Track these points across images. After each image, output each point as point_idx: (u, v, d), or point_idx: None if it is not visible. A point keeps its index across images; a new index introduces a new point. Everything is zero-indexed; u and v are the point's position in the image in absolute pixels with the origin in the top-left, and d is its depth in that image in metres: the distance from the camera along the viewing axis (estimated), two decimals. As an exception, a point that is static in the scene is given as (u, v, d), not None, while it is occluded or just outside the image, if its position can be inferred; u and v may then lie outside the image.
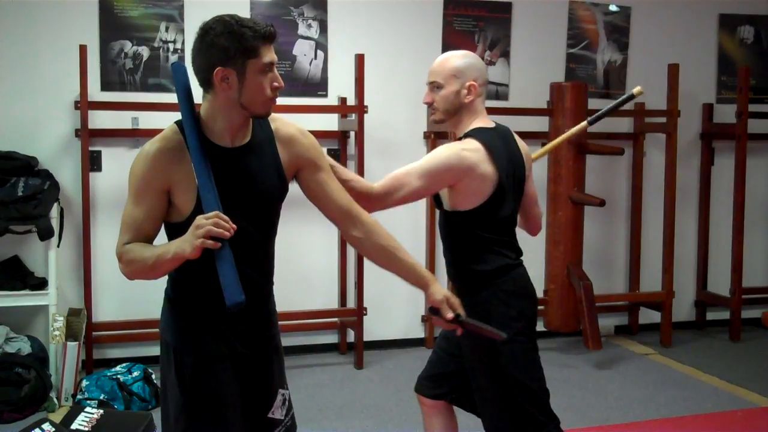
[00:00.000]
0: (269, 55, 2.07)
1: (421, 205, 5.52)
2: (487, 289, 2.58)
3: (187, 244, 2.00)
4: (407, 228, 5.52)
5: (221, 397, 2.15)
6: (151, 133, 5.21)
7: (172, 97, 5.05)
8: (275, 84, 2.09)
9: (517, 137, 2.74)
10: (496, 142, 2.58)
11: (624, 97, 3.31)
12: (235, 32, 2.03)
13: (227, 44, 2.03)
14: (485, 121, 2.64)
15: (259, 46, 2.04)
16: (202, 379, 2.15)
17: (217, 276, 2.01)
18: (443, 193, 2.62)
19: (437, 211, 2.78)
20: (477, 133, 2.57)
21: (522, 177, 2.67)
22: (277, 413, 2.32)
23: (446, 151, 2.55)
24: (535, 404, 2.61)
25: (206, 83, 2.09)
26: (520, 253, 2.69)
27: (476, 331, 2.31)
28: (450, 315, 2.25)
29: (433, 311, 2.30)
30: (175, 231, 2.11)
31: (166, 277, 2.22)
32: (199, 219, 1.99)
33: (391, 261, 2.26)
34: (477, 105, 2.63)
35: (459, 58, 2.66)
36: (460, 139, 2.62)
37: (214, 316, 2.16)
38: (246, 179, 2.13)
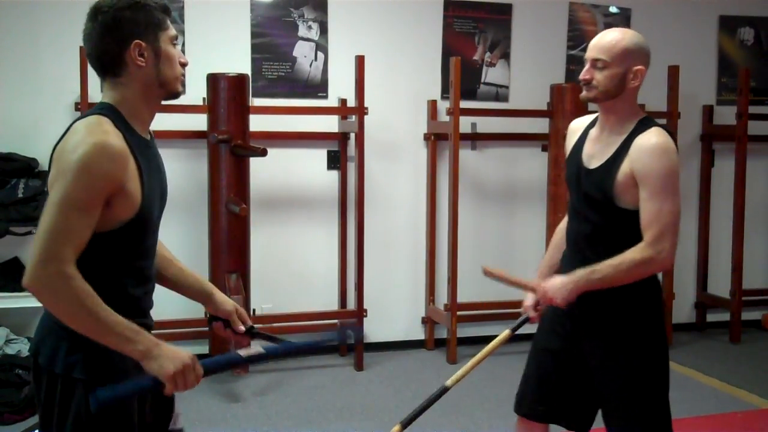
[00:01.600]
0: (173, 28, 1.94)
1: (421, 205, 5.52)
2: (647, 287, 2.49)
3: (170, 365, 1.77)
4: (407, 228, 5.53)
5: (132, 426, 1.92)
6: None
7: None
8: (182, 60, 1.95)
9: None
10: None
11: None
12: (140, 4, 1.86)
13: (136, 17, 1.85)
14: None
15: (164, 18, 1.92)
16: (122, 413, 1.88)
17: (127, 288, 1.87)
18: (623, 190, 2.40)
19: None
20: (662, 126, 2.47)
21: None
22: (178, 424, 2.12)
23: (669, 158, 2.37)
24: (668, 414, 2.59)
25: (117, 65, 1.86)
26: None
27: (267, 339, 2.18)
28: (241, 328, 2.14)
29: (214, 320, 2.16)
30: (104, 241, 1.82)
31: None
32: (195, 362, 1.81)
33: (174, 268, 2.13)
34: (636, 92, 2.49)
35: (631, 38, 2.45)
36: (640, 126, 2.45)
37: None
38: (162, 176, 2.02)
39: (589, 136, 2.57)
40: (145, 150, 1.91)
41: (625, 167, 2.41)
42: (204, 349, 4.82)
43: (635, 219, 2.40)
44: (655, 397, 2.54)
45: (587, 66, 2.47)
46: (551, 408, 2.63)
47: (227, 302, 2.16)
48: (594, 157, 2.50)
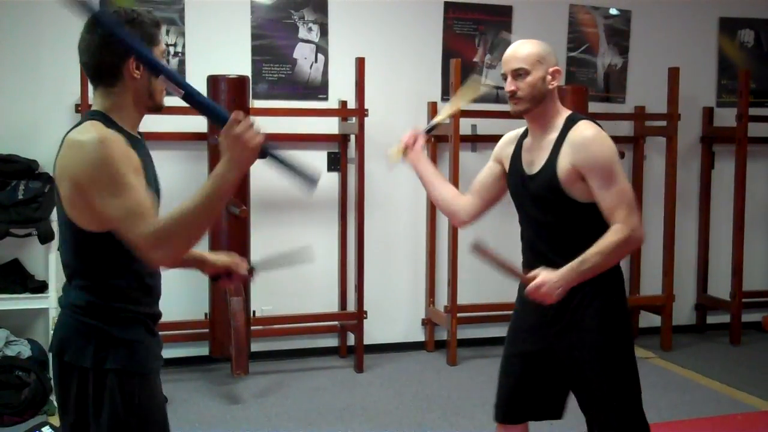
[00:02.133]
0: (163, 41, 2.06)
1: (421, 207, 5.52)
2: (613, 277, 2.57)
3: (243, 153, 1.81)
4: (407, 229, 5.53)
5: (164, 416, 2.07)
6: (151, 136, 5.25)
7: (172, 101, 5.06)
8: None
9: None
10: None
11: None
12: (137, 21, 1.96)
13: (134, 33, 1.94)
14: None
15: (157, 33, 2.01)
16: (152, 399, 2.02)
17: (144, 279, 1.98)
18: (569, 185, 2.49)
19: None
20: (588, 119, 2.58)
21: None
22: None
23: (606, 150, 2.49)
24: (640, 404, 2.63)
25: (113, 76, 1.95)
26: None
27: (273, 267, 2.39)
28: (244, 269, 2.33)
29: (216, 278, 2.33)
30: (95, 243, 1.92)
31: (70, 297, 1.98)
32: (235, 122, 1.82)
33: None
34: (556, 92, 2.59)
35: (536, 44, 2.57)
36: (569, 123, 2.55)
37: (150, 327, 2.05)
38: (155, 172, 2.10)
39: (523, 147, 2.66)
40: (140, 146, 2.00)
41: (564, 163, 2.49)
42: (204, 350, 4.83)
43: (587, 211, 2.49)
44: (628, 380, 2.60)
45: (509, 79, 2.56)
46: (524, 409, 2.71)
47: (221, 257, 2.32)
48: (533, 163, 2.60)
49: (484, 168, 2.81)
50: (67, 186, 1.90)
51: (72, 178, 1.88)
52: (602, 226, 2.47)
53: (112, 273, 1.94)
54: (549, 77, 2.55)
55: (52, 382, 4.31)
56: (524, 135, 2.70)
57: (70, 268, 2.00)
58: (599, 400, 2.58)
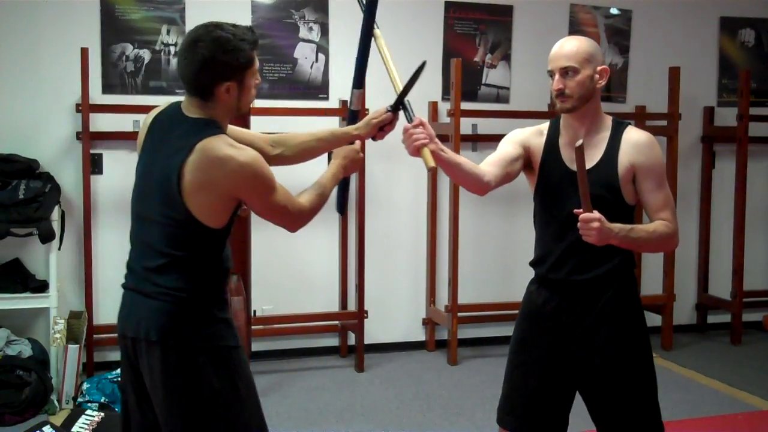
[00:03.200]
0: (257, 60, 2.25)
1: (422, 206, 5.52)
2: (633, 284, 2.60)
3: (355, 168, 2.66)
4: (408, 229, 5.53)
5: (253, 380, 2.31)
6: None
7: (172, 100, 5.07)
8: (257, 81, 2.28)
9: None
10: None
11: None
12: (236, 48, 2.16)
13: (230, 60, 2.15)
14: None
15: (254, 56, 2.22)
16: (247, 369, 2.27)
17: (226, 263, 2.27)
18: (624, 184, 2.51)
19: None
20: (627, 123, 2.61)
21: None
22: None
23: (660, 150, 2.57)
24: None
25: (207, 94, 2.18)
26: None
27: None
28: (387, 115, 2.69)
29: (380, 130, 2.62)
30: (217, 237, 2.20)
31: (167, 285, 2.17)
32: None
33: (314, 144, 2.72)
34: (600, 92, 2.61)
35: (587, 42, 2.59)
36: (617, 125, 2.59)
37: (227, 308, 2.30)
38: None
39: (561, 144, 2.60)
40: None
41: (624, 162, 2.49)
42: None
43: (628, 214, 2.52)
44: (648, 393, 2.56)
45: (556, 77, 2.53)
46: (539, 420, 2.61)
47: (366, 125, 2.76)
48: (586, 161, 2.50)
49: (503, 147, 2.70)
50: (209, 194, 2.12)
51: (223, 189, 2.13)
52: None
53: (209, 259, 2.21)
54: (597, 76, 2.55)
55: (52, 381, 4.31)
56: (554, 131, 2.64)
57: (170, 257, 2.16)
58: (618, 410, 2.52)
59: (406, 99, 2.66)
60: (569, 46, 2.53)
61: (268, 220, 2.28)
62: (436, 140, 2.55)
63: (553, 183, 2.62)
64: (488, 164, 2.65)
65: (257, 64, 2.24)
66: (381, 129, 2.67)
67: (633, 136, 2.54)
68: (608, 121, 2.61)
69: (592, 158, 2.51)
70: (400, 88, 2.66)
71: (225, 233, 2.22)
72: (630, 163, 2.49)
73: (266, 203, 2.21)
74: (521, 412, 2.62)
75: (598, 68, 2.55)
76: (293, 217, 2.29)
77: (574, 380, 2.58)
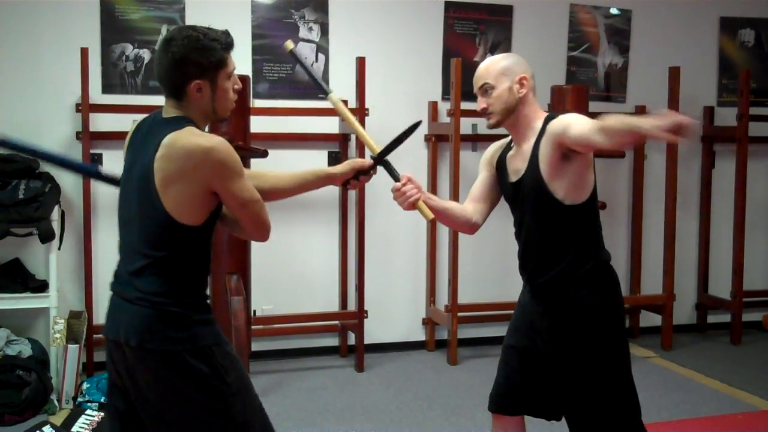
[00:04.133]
0: (232, 62, 2.28)
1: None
2: (603, 283, 2.58)
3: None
4: (408, 229, 5.53)
5: (242, 365, 2.32)
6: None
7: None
8: (236, 86, 2.30)
9: None
10: None
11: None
12: (206, 47, 2.19)
13: (200, 59, 2.18)
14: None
15: (226, 57, 2.25)
16: (231, 357, 2.25)
17: (207, 265, 2.27)
18: (556, 183, 2.50)
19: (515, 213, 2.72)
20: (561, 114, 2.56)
21: None
22: None
23: (573, 114, 2.49)
24: (636, 411, 2.62)
25: (180, 92, 2.21)
26: None
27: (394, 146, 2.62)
28: (368, 163, 2.60)
29: (347, 183, 2.58)
30: (195, 236, 2.19)
31: (146, 289, 2.16)
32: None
33: (296, 181, 2.53)
34: (531, 98, 2.60)
35: (502, 58, 2.65)
36: (547, 121, 2.54)
37: (209, 306, 2.30)
38: None
39: (508, 156, 2.68)
40: None
41: (544, 155, 2.50)
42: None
43: (571, 214, 2.51)
44: (614, 397, 2.57)
45: (479, 98, 2.61)
46: (517, 400, 2.71)
47: (343, 167, 2.59)
48: (518, 170, 2.61)
49: (478, 179, 2.82)
50: (180, 186, 2.11)
51: (193, 179, 2.11)
52: (588, 231, 2.54)
53: (193, 261, 2.21)
54: (517, 86, 2.58)
55: (52, 381, 4.31)
56: (510, 144, 2.73)
57: (149, 259, 2.16)
58: (582, 410, 2.57)
59: (387, 157, 2.69)
60: (483, 66, 2.64)
61: (243, 222, 2.26)
62: (423, 190, 2.68)
63: (505, 194, 2.73)
64: (472, 200, 2.78)
65: (232, 66, 2.27)
66: (356, 178, 2.60)
67: (552, 123, 2.49)
68: (541, 121, 2.57)
69: (523, 167, 2.58)
70: (376, 149, 2.70)
71: (203, 232, 2.20)
72: (550, 147, 2.48)
73: (240, 191, 2.17)
74: (498, 393, 2.75)
75: (517, 78, 2.58)
76: (262, 220, 2.27)
77: (547, 371, 2.64)
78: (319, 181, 2.54)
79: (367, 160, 2.62)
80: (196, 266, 2.23)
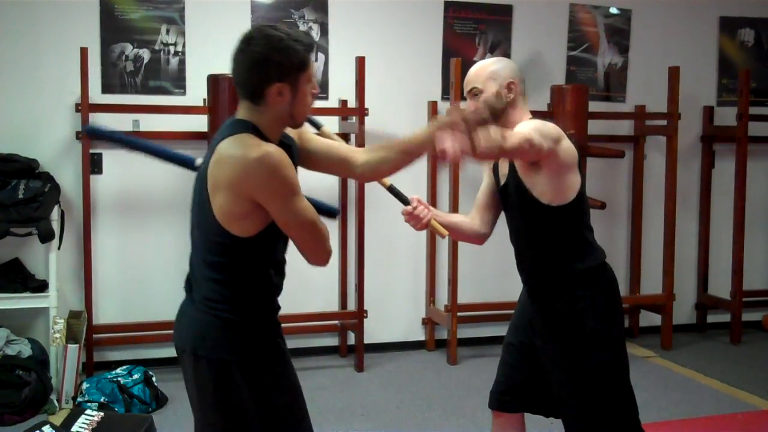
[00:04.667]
0: (314, 65, 2.14)
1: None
2: (598, 283, 2.56)
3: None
4: (408, 229, 5.52)
5: (301, 393, 2.29)
6: (152, 135, 5.27)
7: (172, 100, 5.09)
8: (314, 91, 2.15)
9: None
10: None
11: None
12: (289, 47, 2.05)
13: (282, 60, 2.04)
14: (529, 114, 2.64)
15: (308, 58, 2.10)
16: (284, 382, 2.21)
17: (271, 278, 2.20)
18: (535, 187, 2.52)
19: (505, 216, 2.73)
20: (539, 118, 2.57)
21: None
22: None
23: (534, 121, 2.51)
24: (632, 412, 2.62)
25: (257, 96, 2.08)
26: None
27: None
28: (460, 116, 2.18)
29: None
30: (247, 248, 2.09)
31: (204, 294, 2.14)
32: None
33: (397, 155, 2.40)
34: (520, 102, 2.63)
35: (491, 62, 2.66)
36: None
37: (274, 314, 2.26)
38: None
39: (499, 162, 2.71)
40: (286, 150, 2.12)
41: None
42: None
43: (553, 215, 2.52)
44: (607, 398, 2.57)
45: (468, 101, 2.64)
46: (517, 397, 2.73)
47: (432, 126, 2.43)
48: (505, 172, 2.66)
49: (482, 185, 2.85)
50: (227, 195, 2.02)
51: (238, 189, 2.01)
52: (575, 232, 2.55)
53: (247, 270, 2.13)
54: (505, 90, 2.60)
55: (52, 381, 4.31)
56: None
57: (209, 267, 2.11)
58: (575, 410, 2.58)
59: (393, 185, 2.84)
60: (472, 70, 2.66)
61: (295, 242, 2.14)
62: (431, 208, 2.74)
63: (502, 203, 2.76)
64: (478, 209, 2.82)
65: (313, 69, 2.12)
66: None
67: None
68: None
69: (507, 172, 2.62)
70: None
71: (256, 245, 2.09)
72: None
73: (287, 209, 2.04)
74: (497, 389, 2.77)
75: (505, 83, 2.60)
76: (317, 243, 2.14)
77: (544, 369, 2.66)
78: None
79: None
80: (256, 278, 2.15)
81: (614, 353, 2.57)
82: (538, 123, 2.50)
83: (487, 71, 2.62)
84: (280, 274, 2.25)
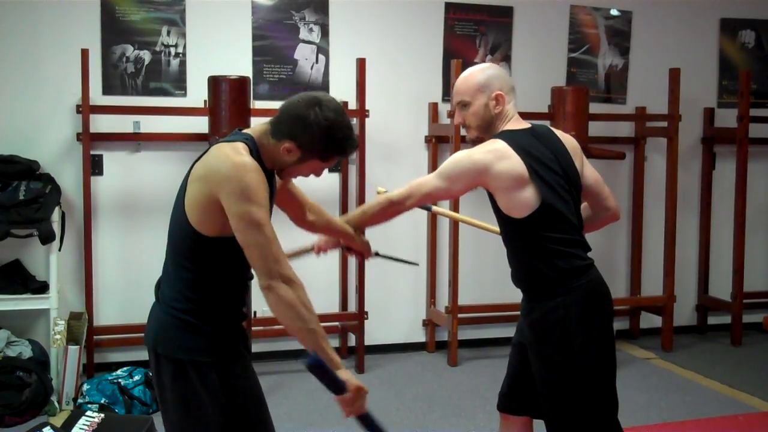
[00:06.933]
0: (331, 164, 2.23)
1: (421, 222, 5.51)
2: (566, 293, 2.53)
3: (356, 382, 2.26)
4: (408, 230, 5.52)
5: (261, 396, 2.32)
6: (152, 137, 5.27)
7: (173, 101, 5.09)
8: (315, 175, 2.24)
9: (561, 133, 2.70)
10: (525, 140, 2.54)
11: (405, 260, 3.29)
12: (332, 137, 2.14)
13: (317, 142, 2.13)
14: (517, 124, 2.62)
15: (335, 159, 2.20)
16: (240, 383, 2.22)
17: (238, 281, 2.24)
18: (499, 200, 2.55)
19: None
20: (499, 135, 2.56)
21: (574, 172, 2.60)
22: None
23: (458, 154, 2.58)
24: (606, 414, 2.58)
25: (278, 135, 2.15)
26: (589, 249, 2.65)
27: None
28: (372, 253, 2.83)
29: (348, 249, 2.85)
30: (207, 247, 2.14)
31: (167, 294, 2.21)
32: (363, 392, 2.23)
33: (324, 218, 2.76)
34: (508, 112, 2.62)
35: (480, 72, 2.64)
36: None
37: (237, 321, 2.26)
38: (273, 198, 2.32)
39: None
40: (270, 179, 2.19)
41: None
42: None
43: (521, 226, 2.52)
44: (579, 412, 2.54)
45: (456, 111, 2.65)
46: (518, 399, 2.73)
47: (365, 241, 2.84)
48: None
49: None
50: (200, 189, 2.10)
51: (209, 186, 2.07)
52: (540, 242, 2.51)
53: (210, 273, 2.17)
54: (493, 102, 2.59)
55: (53, 382, 4.31)
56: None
57: (174, 265, 2.18)
58: (549, 419, 2.60)
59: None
60: (460, 81, 2.65)
61: (244, 250, 2.08)
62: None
63: None
64: None
65: (327, 166, 2.22)
66: (349, 249, 2.87)
67: None
68: None
69: None
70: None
71: (213, 246, 2.13)
72: None
73: (239, 212, 2.03)
74: (504, 391, 2.78)
75: (493, 95, 2.59)
76: (264, 260, 2.05)
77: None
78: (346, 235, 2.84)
79: (371, 251, 2.92)
80: (219, 281, 2.19)
81: (592, 364, 2.52)
82: (449, 160, 2.58)
83: (475, 82, 2.61)
84: (243, 285, 2.30)
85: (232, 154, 2.06)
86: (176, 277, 2.18)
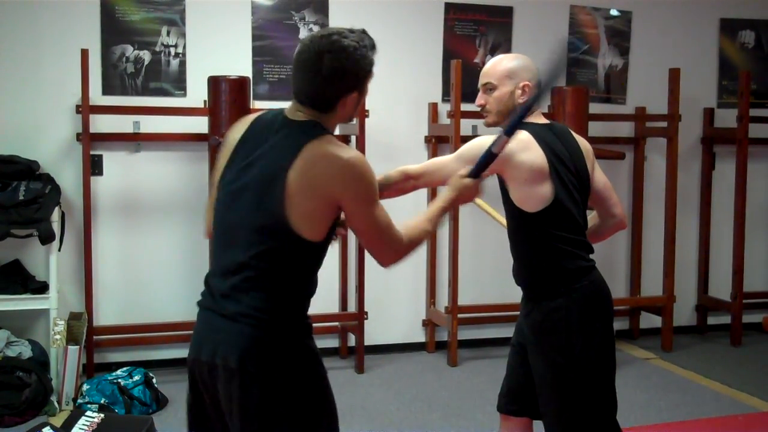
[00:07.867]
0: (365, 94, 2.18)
1: (422, 207, 5.51)
2: (567, 294, 2.52)
3: (465, 200, 2.36)
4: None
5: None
6: (152, 137, 5.26)
7: (173, 101, 5.09)
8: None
9: (576, 135, 2.69)
10: (548, 136, 2.53)
11: None
12: (363, 56, 2.07)
13: (359, 71, 2.05)
14: (539, 119, 2.60)
15: (374, 60, 2.13)
16: (327, 383, 2.15)
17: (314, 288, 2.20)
18: (513, 191, 2.53)
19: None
20: (524, 126, 2.50)
21: (586, 174, 2.60)
22: None
23: (480, 139, 2.56)
24: (605, 415, 2.58)
25: (327, 107, 2.07)
26: (592, 251, 2.64)
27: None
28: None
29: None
30: (312, 253, 2.09)
31: (251, 304, 2.02)
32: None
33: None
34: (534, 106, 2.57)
35: (511, 59, 2.64)
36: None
37: (308, 322, 2.23)
38: None
39: None
40: None
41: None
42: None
43: (532, 220, 2.51)
44: (578, 413, 2.53)
45: (480, 93, 2.63)
46: (518, 400, 2.71)
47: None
48: None
49: None
50: (309, 195, 1.97)
51: (326, 190, 1.98)
52: (550, 239, 2.49)
53: (303, 279, 2.13)
54: (519, 92, 2.58)
55: (52, 382, 4.31)
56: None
57: (256, 272, 2.01)
58: (547, 420, 2.60)
59: None
60: (490, 64, 2.65)
61: (365, 243, 2.17)
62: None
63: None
64: None
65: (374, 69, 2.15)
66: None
67: None
68: None
69: None
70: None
71: (318, 250, 2.08)
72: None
73: (366, 215, 2.06)
74: (503, 392, 2.77)
75: (521, 84, 2.58)
76: (388, 245, 2.14)
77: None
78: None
79: None
80: (305, 284, 2.14)
81: (593, 366, 2.52)
82: (471, 144, 2.57)
83: (505, 68, 2.61)
84: (316, 279, 2.26)
85: (343, 152, 1.99)
86: (255, 282, 2.01)
